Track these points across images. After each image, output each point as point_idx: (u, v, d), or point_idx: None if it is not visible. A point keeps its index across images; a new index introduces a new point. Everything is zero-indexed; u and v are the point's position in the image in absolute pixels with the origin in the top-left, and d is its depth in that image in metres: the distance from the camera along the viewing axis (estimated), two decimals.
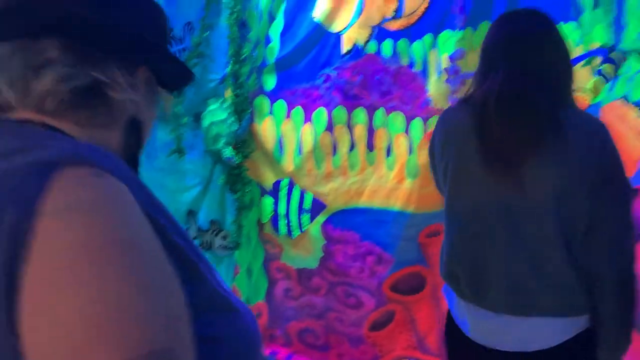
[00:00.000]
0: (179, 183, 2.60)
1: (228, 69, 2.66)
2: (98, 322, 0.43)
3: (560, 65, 1.25)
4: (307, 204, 2.66)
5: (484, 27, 2.35)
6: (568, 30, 2.22)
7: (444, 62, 2.40)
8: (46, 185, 0.47)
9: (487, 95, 1.22)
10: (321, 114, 2.60)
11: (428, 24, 2.43)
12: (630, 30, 2.11)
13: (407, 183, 2.49)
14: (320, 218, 2.65)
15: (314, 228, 2.66)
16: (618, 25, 2.06)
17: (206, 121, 2.69)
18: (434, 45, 2.43)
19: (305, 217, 2.66)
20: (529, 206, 1.21)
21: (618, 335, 1.26)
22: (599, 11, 2.11)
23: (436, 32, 2.42)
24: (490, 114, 1.20)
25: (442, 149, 1.31)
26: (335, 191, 2.61)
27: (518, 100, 1.19)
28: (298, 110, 2.64)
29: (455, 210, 1.30)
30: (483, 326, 1.30)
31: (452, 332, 1.39)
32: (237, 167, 2.69)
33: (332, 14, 2.57)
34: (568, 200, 1.19)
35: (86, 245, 0.45)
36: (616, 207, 1.20)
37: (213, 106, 2.70)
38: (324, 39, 2.59)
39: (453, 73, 2.21)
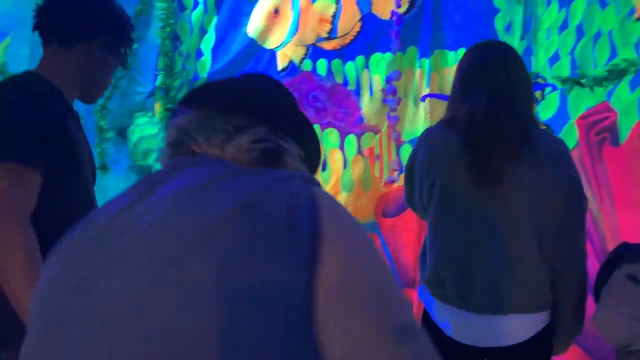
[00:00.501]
0: (102, 202, 2.47)
1: (158, 82, 2.59)
2: (389, 288, 0.59)
3: (526, 89, 1.44)
4: None
5: (412, 51, 2.55)
6: None
7: (375, 82, 2.55)
8: (313, 192, 0.62)
9: (472, 116, 1.36)
10: None
11: (360, 46, 2.57)
12: (540, 58, 2.41)
13: (342, 196, 2.60)
14: None
15: None
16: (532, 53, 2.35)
17: (134, 136, 2.59)
18: (366, 65, 2.57)
19: None
20: (510, 215, 1.37)
21: (574, 323, 1.46)
22: (515, 39, 2.38)
23: (368, 54, 2.57)
24: (477, 133, 1.34)
25: (428, 167, 1.42)
26: None
27: (499, 120, 1.34)
28: None
29: (442, 222, 1.42)
30: (465, 326, 1.42)
31: (430, 334, 1.49)
32: None
33: (266, 31, 2.62)
34: (542, 208, 1.37)
35: (359, 233, 0.61)
36: (579, 215, 1.40)
37: (141, 120, 2.61)
38: (258, 54, 2.63)
39: (390, 93, 2.36)
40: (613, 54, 2.28)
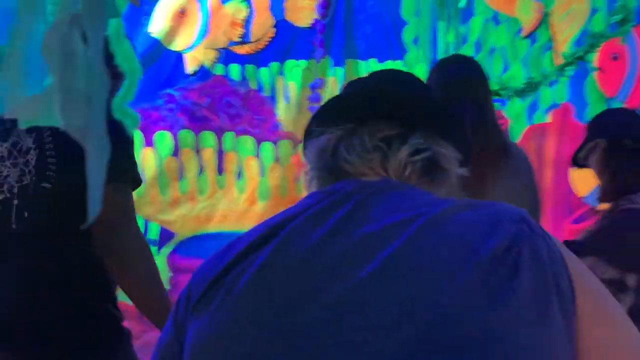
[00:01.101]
0: None
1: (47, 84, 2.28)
2: (637, 334, 0.60)
3: (491, 101, 1.56)
4: (154, 234, 2.46)
5: (325, 59, 2.58)
6: (396, 67, 2.59)
7: (291, 89, 2.53)
8: (554, 240, 0.60)
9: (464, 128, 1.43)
10: (164, 137, 2.44)
11: (274, 52, 2.53)
12: None
13: (259, 205, 2.54)
14: (166, 249, 2.48)
15: (159, 260, 2.47)
16: None
17: None
18: (280, 72, 2.54)
19: (152, 249, 2.45)
20: None
21: None
22: (421, 51, 2.54)
23: (282, 61, 2.54)
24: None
25: None
26: (183, 218, 2.48)
27: (484, 130, 1.44)
28: (136, 133, 2.42)
29: None
30: None
31: None
32: None
33: (171, 32, 2.44)
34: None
35: (599, 282, 0.61)
36: (538, 220, 1.56)
37: None
38: (163, 56, 2.44)
39: (315, 101, 2.37)
40: (505, 67, 2.55)
